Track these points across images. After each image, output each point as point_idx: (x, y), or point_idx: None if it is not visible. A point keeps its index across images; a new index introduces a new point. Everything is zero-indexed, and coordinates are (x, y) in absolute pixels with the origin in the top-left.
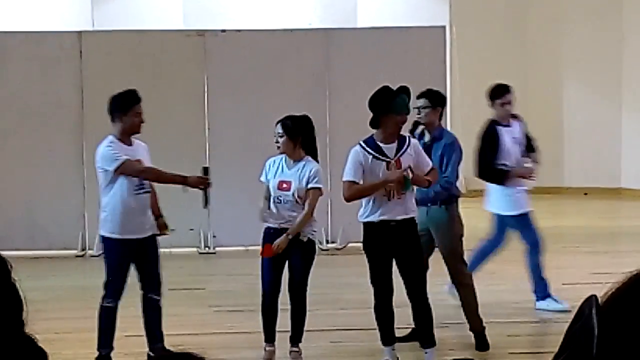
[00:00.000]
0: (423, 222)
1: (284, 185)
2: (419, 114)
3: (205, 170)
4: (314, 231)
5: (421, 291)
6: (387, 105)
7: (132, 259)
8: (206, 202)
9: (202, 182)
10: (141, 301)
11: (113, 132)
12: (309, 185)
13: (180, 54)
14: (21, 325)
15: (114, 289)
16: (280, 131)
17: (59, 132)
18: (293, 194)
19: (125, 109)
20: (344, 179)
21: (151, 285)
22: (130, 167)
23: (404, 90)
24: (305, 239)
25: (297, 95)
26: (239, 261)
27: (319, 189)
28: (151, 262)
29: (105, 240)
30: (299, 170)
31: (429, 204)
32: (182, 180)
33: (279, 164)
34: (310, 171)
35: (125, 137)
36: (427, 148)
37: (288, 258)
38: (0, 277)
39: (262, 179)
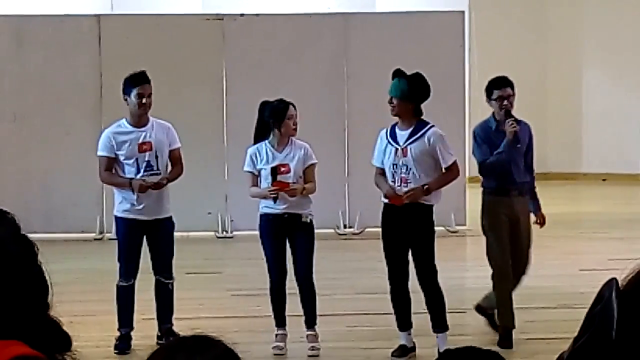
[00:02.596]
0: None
1: (283, 169)
2: (505, 103)
3: (274, 170)
4: (311, 212)
5: (430, 278)
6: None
7: (141, 239)
8: (275, 199)
9: (271, 192)
10: (154, 283)
11: (127, 115)
12: (308, 163)
13: (198, 38)
14: (46, 309)
15: (124, 268)
16: (297, 114)
17: (78, 116)
18: (294, 175)
19: (129, 90)
20: (373, 163)
21: (159, 268)
22: (100, 164)
23: (398, 74)
24: (308, 220)
25: (315, 80)
26: (257, 245)
27: (316, 164)
28: (161, 244)
29: (115, 219)
30: (291, 153)
31: (523, 192)
32: (128, 185)
33: (266, 151)
34: (303, 150)
35: (134, 118)
36: (515, 135)
37: (290, 241)
38: (27, 260)
39: (248, 168)
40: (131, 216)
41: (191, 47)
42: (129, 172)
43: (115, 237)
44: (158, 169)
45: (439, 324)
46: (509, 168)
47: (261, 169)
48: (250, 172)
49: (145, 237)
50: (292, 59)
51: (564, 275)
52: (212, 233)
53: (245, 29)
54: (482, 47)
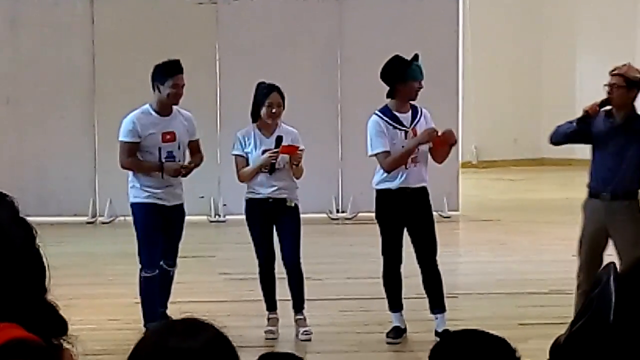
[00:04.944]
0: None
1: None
2: (610, 92)
3: (279, 139)
4: (297, 198)
5: (432, 258)
6: (405, 73)
7: (161, 223)
8: (272, 170)
9: (272, 155)
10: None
11: (151, 101)
12: None
13: (192, 22)
14: (44, 292)
15: (147, 257)
16: (280, 100)
17: (71, 98)
18: (282, 160)
19: (162, 79)
20: (375, 151)
21: (166, 254)
22: (122, 150)
23: (416, 58)
24: (292, 205)
25: (309, 64)
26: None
27: (304, 150)
28: (173, 232)
29: (132, 206)
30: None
31: (619, 197)
32: (158, 169)
33: (254, 135)
34: (291, 135)
35: (161, 107)
36: (616, 129)
37: (277, 226)
38: (27, 243)
39: (237, 152)
40: (151, 201)
41: (185, 30)
42: (147, 158)
43: (108, 219)
44: (179, 159)
45: (438, 305)
46: (599, 163)
47: (249, 152)
48: (240, 155)
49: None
50: (286, 43)
51: (557, 260)
52: (205, 217)
53: (239, 12)
54: (476, 32)
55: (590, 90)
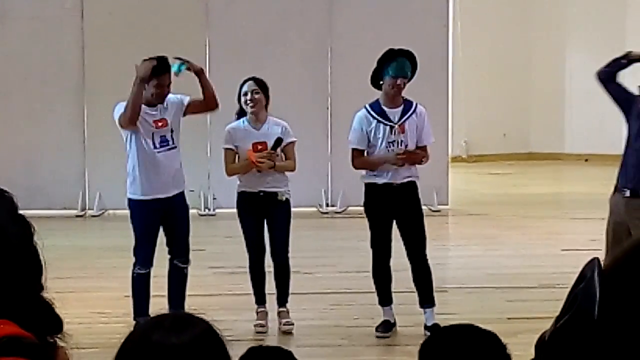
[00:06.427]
0: None
1: (260, 147)
2: None
3: (278, 141)
4: (289, 191)
5: (421, 252)
6: (382, 67)
7: (158, 221)
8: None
9: (269, 156)
10: (168, 267)
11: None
12: (287, 140)
13: (182, 16)
14: (40, 290)
15: (142, 255)
16: (255, 87)
17: (60, 92)
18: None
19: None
20: (349, 145)
21: (177, 251)
22: (125, 109)
23: (405, 54)
24: (283, 199)
25: (299, 58)
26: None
27: (295, 141)
28: (178, 224)
29: (130, 202)
30: (269, 130)
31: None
32: (140, 82)
33: (244, 129)
34: (280, 127)
35: (148, 103)
36: None
37: (267, 219)
38: (24, 240)
39: (228, 145)
40: (149, 197)
41: (175, 24)
42: (142, 146)
43: (97, 212)
44: (174, 144)
45: (428, 299)
46: (626, 158)
47: (238, 146)
48: (229, 148)
49: (160, 218)
50: (276, 37)
51: (546, 255)
52: (195, 211)
53: (229, 6)
54: (466, 27)
55: (579, 85)
